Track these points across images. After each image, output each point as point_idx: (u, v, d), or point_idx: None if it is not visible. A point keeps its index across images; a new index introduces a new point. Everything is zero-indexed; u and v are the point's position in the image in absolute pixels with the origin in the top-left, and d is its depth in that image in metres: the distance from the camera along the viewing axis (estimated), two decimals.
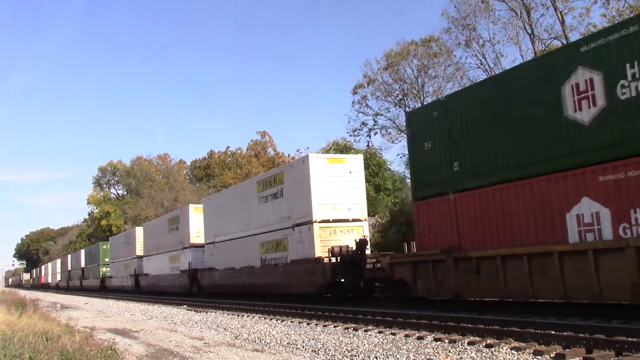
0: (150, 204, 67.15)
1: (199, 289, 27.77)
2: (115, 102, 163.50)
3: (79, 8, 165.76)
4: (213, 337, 12.04)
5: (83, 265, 60.00)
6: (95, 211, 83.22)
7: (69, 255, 73.03)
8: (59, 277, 77.77)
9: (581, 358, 7.17)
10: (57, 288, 76.17)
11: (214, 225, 26.47)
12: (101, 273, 50.40)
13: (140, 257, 38.70)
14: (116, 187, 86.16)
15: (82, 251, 62.96)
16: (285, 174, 19.89)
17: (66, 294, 52.67)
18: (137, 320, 17.87)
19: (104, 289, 48.40)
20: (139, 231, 40.33)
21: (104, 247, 51.13)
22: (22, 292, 52.08)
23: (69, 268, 69.45)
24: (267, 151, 67.42)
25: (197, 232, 29.01)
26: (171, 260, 31.76)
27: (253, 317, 15.72)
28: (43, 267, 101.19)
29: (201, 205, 29.08)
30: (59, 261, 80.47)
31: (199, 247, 28.42)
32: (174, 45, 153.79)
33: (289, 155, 61.43)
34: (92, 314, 22.23)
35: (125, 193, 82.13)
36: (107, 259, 49.77)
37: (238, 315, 16.51)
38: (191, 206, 30.39)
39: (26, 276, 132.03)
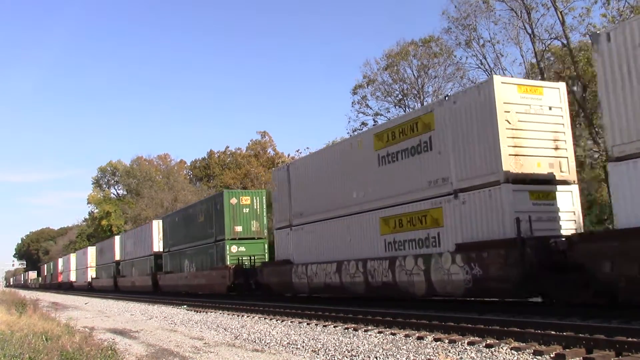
0: (150, 204, 67.13)
1: None
2: (115, 102, 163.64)
3: (80, 8, 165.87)
4: (213, 337, 12.03)
5: (158, 248, 34.94)
6: (95, 211, 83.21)
7: (116, 238, 47.33)
8: (92, 274, 54.93)
9: (581, 358, 7.16)
10: (89, 290, 52.86)
11: (297, 202, 19.60)
12: (227, 258, 25.08)
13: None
14: (116, 187, 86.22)
15: (156, 223, 36.12)
16: (437, 115, 13.80)
17: (67, 294, 51.57)
18: (137, 320, 17.86)
19: (246, 293, 23.66)
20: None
21: (233, 200, 25.77)
22: (23, 293, 45.29)
23: (117, 257, 45.16)
24: (266, 151, 67.39)
25: None
26: None
27: (253, 317, 15.72)
28: (60, 260, 76.89)
29: None
30: (91, 250, 57.08)
31: None
32: (174, 46, 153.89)
33: (288, 155, 61.44)
34: (92, 314, 22.21)
35: (126, 193, 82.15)
36: (239, 228, 25.57)
37: (238, 315, 16.51)
38: None
39: (32, 274, 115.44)
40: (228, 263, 24.87)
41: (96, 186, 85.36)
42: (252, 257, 24.38)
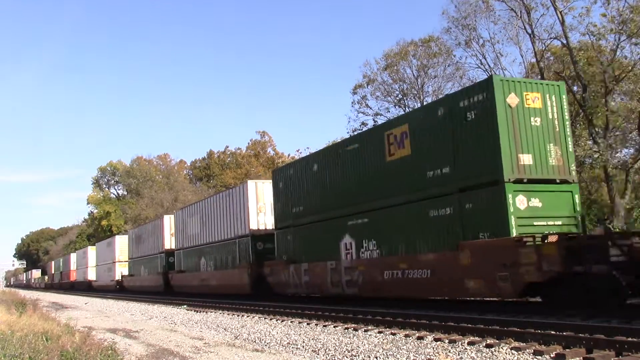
0: (150, 204, 67.17)
1: None
2: (115, 102, 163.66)
3: (80, 8, 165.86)
4: (213, 337, 12.03)
5: (257, 224, 22.31)
6: (95, 211, 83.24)
7: (166, 218, 34.51)
8: (122, 271, 43.23)
9: (581, 358, 7.16)
10: (119, 291, 41.74)
11: None
12: (512, 224, 11.49)
13: None
14: (116, 187, 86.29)
15: (253, 185, 22.92)
16: None
17: (66, 294, 51.20)
18: (137, 320, 17.86)
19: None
20: None
21: (512, 99, 11.94)
22: (23, 293, 42.04)
23: (168, 245, 33.02)
24: (266, 151, 67.43)
25: None
26: None
27: (253, 317, 15.72)
28: (73, 256, 64.97)
29: None
30: (120, 240, 44.89)
31: None
32: (174, 45, 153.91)
33: (288, 155, 61.47)
34: (92, 313, 22.21)
35: (126, 193, 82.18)
36: (527, 158, 11.96)
37: (238, 315, 16.50)
38: None
39: (36, 274, 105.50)
40: (515, 233, 11.50)
41: (96, 186, 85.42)
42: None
